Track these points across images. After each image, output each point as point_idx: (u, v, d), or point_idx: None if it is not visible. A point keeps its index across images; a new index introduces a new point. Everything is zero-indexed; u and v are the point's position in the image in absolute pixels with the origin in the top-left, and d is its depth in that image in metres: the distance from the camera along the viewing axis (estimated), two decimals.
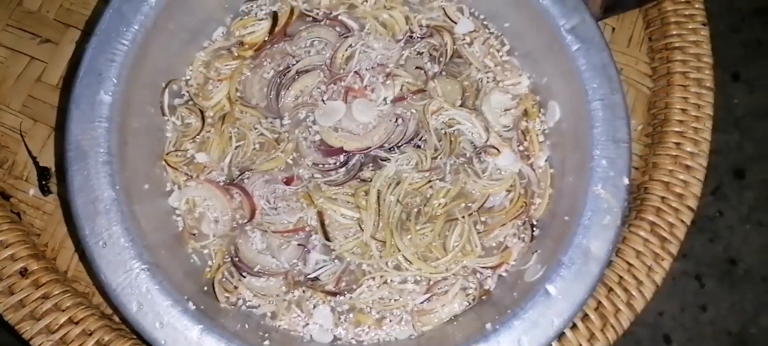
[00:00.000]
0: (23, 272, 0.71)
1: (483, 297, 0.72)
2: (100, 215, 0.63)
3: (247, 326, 0.68)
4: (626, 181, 0.67)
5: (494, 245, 0.74)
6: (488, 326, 0.63)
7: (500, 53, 0.80)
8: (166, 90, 0.75)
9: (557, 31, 0.72)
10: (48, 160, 0.82)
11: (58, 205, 0.81)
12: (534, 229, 0.74)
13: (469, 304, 0.72)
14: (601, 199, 0.66)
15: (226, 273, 0.72)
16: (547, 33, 0.73)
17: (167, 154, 0.75)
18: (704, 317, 1.45)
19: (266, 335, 0.67)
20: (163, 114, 0.76)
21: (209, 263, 0.73)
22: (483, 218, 0.74)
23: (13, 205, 0.79)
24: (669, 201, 0.75)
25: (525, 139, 0.77)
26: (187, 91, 0.78)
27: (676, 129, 0.78)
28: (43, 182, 0.81)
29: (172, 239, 0.72)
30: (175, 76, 0.77)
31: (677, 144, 0.77)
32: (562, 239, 0.66)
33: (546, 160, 0.76)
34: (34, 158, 0.82)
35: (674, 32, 0.82)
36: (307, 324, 0.71)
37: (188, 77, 0.78)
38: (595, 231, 0.65)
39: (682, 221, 0.75)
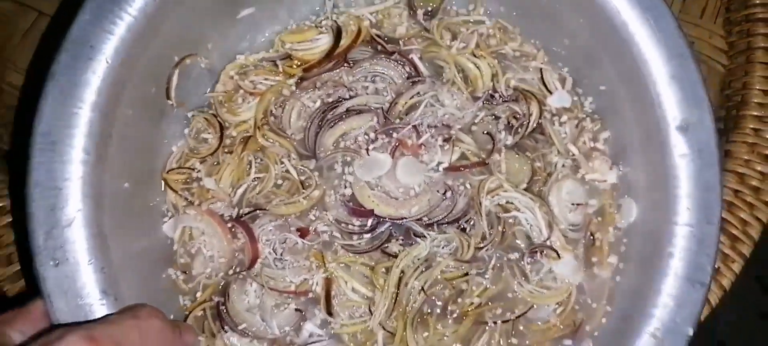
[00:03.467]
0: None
1: None
2: (59, 226, 0.50)
3: None
4: (690, 332, 0.54)
5: None
6: None
7: (593, 141, 0.65)
8: (178, 68, 0.63)
9: (663, 126, 0.56)
10: None
11: None
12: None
13: None
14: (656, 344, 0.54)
15: (207, 314, 0.61)
16: (652, 123, 0.57)
17: (169, 171, 0.65)
18: (764, 326, 1.29)
19: None
20: (168, 97, 0.63)
21: (184, 300, 0.61)
22: (518, 333, 0.61)
23: None
24: (743, 195, 0.65)
25: (593, 245, 0.63)
26: (211, 99, 0.66)
27: (755, 113, 0.67)
28: None
29: (146, 268, 0.60)
30: (192, 52, 0.64)
31: (756, 130, 0.66)
32: None
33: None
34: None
35: (757, 1, 0.70)
36: None
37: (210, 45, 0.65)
38: None
39: (758, 219, 0.64)
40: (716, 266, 0.58)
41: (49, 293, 0.51)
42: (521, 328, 0.62)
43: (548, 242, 0.63)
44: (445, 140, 0.66)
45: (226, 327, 0.62)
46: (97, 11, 0.53)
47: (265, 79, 0.68)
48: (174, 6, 0.57)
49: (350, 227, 0.64)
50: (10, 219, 0.66)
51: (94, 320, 0.51)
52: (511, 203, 0.64)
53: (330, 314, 0.62)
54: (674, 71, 0.57)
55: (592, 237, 0.64)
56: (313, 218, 0.64)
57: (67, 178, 0.51)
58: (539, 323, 0.63)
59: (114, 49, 0.53)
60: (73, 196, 0.51)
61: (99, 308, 0.51)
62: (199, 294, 0.63)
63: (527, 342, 0.62)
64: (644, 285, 0.56)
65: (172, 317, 0.59)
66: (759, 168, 0.67)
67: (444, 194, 0.65)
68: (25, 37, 0.77)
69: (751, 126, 0.68)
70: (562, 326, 0.62)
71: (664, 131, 0.57)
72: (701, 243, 0.55)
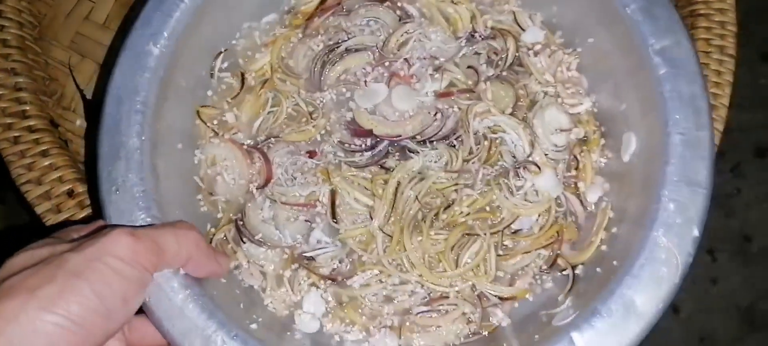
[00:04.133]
0: (70, 193, 0.70)
1: (487, 333, 0.60)
2: (120, 161, 0.56)
3: (239, 304, 0.59)
4: (696, 233, 0.51)
5: (512, 273, 0.61)
6: None
7: (569, 70, 0.66)
8: (220, 56, 0.68)
9: (644, 51, 0.56)
10: (94, 95, 0.80)
11: None
12: (576, 274, 0.59)
13: (469, 336, 0.59)
14: (661, 248, 0.51)
15: (227, 234, 0.63)
16: (634, 54, 0.57)
17: (202, 106, 0.67)
18: (714, 290, 1.34)
19: (255, 317, 0.58)
20: (212, 77, 0.68)
21: (213, 227, 0.64)
22: (506, 242, 0.61)
23: (61, 133, 0.76)
24: None
25: (577, 167, 0.63)
26: (236, 55, 0.70)
27: None
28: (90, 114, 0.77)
29: (188, 199, 0.63)
30: (231, 45, 0.70)
31: None
32: (605, 286, 0.52)
33: (602, 199, 0.62)
34: (81, 91, 0.80)
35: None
36: (296, 307, 0.61)
37: (235, 42, 0.70)
38: (646, 284, 0.50)
39: None
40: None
41: (110, 216, 0.54)
42: (507, 242, 0.61)
43: (530, 158, 0.62)
44: (435, 70, 0.66)
45: (244, 239, 0.62)
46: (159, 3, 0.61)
47: (274, 31, 0.70)
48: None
49: (353, 146, 0.64)
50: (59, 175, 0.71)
51: (140, 226, 0.53)
52: (498, 126, 0.63)
53: (335, 220, 0.61)
54: (647, 5, 0.57)
55: (575, 159, 0.63)
56: (321, 142, 0.65)
57: (130, 124, 0.57)
58: (524, 233, 0.62)
59: (172, 28, 0.60)
60: (133, 139, 0.57)
61: None
62: (220, 216, 0.64)
63: (514, 251, 0.61)
64: (644, 196, 0.54)
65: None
66: None
67: (434, 115, 0.64)
68: (68, 19, 0.83)
69: None
70: (545, 237, 0.61)
71: (645, 57, 0.56)
72: (696, 148, 0.53)
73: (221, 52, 0.67)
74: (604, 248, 0.59)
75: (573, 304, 0.56)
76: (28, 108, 0.72)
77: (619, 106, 0.62)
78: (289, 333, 0.59)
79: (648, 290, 0.51)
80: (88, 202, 0.69)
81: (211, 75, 0.67)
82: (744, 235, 1.39)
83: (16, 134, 0.70)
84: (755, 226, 1.39)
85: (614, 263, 0.54)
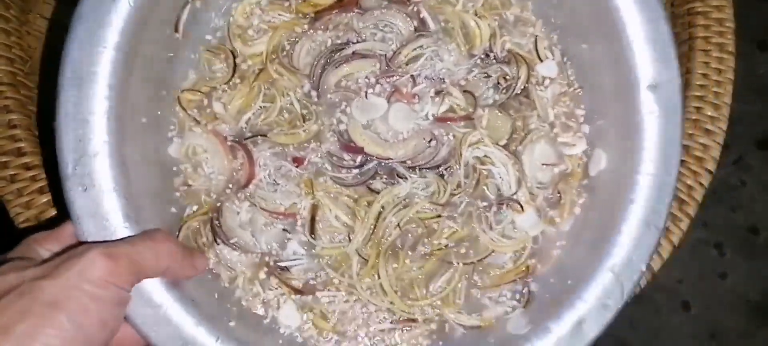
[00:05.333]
0: None
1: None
2: (86, 156, 0.52)
3: (215, 298, 0.59)
4: (643, 269, 0.56)
5: (479, 304, 0.63)
6: None
7: (571, 116, 0.67)
8: (187, 7, 0.62)
9: (635, 82, 0.58)
10: None
11: None
12: (531, 291, 0.62)
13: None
14: (612, 277, 0.56)
15: (201, 227, 0.62)
16: (624, 77, 0.59)
17: (183, 91, 0.64)
18: (723, 284, 1.38)
19: (235, 311, 0.59)
20: (176, 31, 0.62)
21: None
22: (478, 273, 0.63)
23: None
24: (688, 164, 0.70)
25: (559, 202, 0.64)
26: (227, 29, 0.65)
27: (697, 93, 0.72)
28: None
29: (159, 188, 0.61)
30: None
31: (698, 109, 0.71)
32: (558, 305, 0.57)
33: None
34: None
35: None
36: (269, 313, 0.62)
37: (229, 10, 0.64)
38: (594, 311, 0.56)
39: (701, 184, 0.69)
40: (666, 226, 0.60)
41: (78, 216, 0.51)
42: (480, 270, 0.63)
43: (514, 196, 0.63)
44: (437, 93, 0.64)
45: (218, 239, 0.61)
46: None
47: (279, 14, 0.67)
48: None
49: (342, 161, 0.63)
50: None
51: (115, 241, 0.51)
52: (488, 157, 0.63)
53: (313, 236, 0.62)
54: (650, 34, 0.58)
55: (558, 194, 0.64)
56: (308, 148, 0.64)
57: (93, 112, 0.52)
58: (496, 267, 0.63)
59: None
60: (99, 128, 0.52)
61: (122, 231, 0.52)
62: (195, 208, 0.63)
63: (483, 284, 0.63)
64: (605, 224, 0.58)
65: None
66: (701, 140, 0.71)
67: (429, 141, 0.63)
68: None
69: (694, 105, 0.72)
70: (516, 272, 0.63)
71: (636, 89, 0.58)
72: (660, 191, 0.56)
73: (188, 2, 0.62)
74: (563, 259, 0.63)
75: (528, 315, 0.60)
76: (23, 145, 0.70)
77: (595, 119, 0.65)
78: (271, 331, 0.61)
79: (594, 317, 0.56)
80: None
81: (176, 29, 0.62)
82: (750, 227, 1.40)
83: (13, 172, 0.69)
84: (761, 218, 1.40)
85: (569, 282, 0.58)
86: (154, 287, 0.52)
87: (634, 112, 0.58)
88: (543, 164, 0.64)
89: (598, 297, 0.56)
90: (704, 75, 0.74)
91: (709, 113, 0.72)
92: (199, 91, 0.65)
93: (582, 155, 0.66)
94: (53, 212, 0.67)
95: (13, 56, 0.76)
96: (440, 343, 0.62)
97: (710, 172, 0.71)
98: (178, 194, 0.63)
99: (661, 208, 0.57)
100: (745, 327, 1.36)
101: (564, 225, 0.64)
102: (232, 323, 0.57)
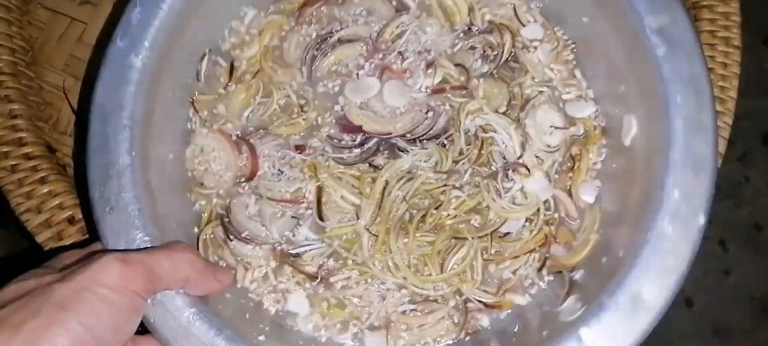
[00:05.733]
0: (71, 220, 0.66)
1: (470, 335, 0.58)
2: (111, 180, 0.53)
3: (245, 315, 0.57)
4: (702, 220, 0.48)
5: (501, 279, 0.59)
6: None
7: (567, 67, 0.63)
8: (205, 58, 0.64)
9: (641, 31, 0.53)
10: None
11: None
12: (572, 278, 0.57)
13: (455, 339, 0.58)
14: (667, 238, 0.48)
15: (215, 231, 0.61)
16: (629, 33, 0.54)
17: (195, 96, 0.64)
18: (727, 281, 1.32)
19: (262, 327, 0.56)
20: (198, 80, 0.64)
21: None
22: (495, 246, 0.59)
23: (59, 158, 0.72)
24: None
25: (573, 167, 0.60)
26: (229, 46, 0.67)
27: None
28: None
29: (183, 210, 0.62)
30: (217, 45, 0.65)
31: None
32: (611, 279, 0.49)
33: (598, 199, 0.59)
34: (76, 114, 0.75)
35: None
36: (283, 305, 0.60)
37: (222, 43, 0.66)
38: (653, 275, 0.48)
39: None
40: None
41: (106, 236, 0.51)
42: (495, 246, 0.59)
43: (520, 160, 0.59)
44: (428, 65, 0.62)
45: (231, 236, 0.59)
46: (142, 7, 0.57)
47: (266, 17, 0.67)
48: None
49: (342, 142, 0.61)
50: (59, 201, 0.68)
51: (133, 250, 0.50)
52: (490, 125, 0.60)
53: (321, 217, 0.59)
54: None
55: (572, 159, 0.61)
56: (309, 135, 0.62)
57: (119, 141, 0.54)
58: (513, 237, 0.59)
59: (153, 38, 0.57)
60: (123, 156, 0.54)
61: (144, 246, 0.52)
62: (205, 216, 0.62)
63: (501, 258, 0.59)
64: (647, 183, 0.52)
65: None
66: None
67: (426, 112, 0.61)
68: (60, 41, 0.78)
69: None
70: (534, 241, 0.59)
71: (642, 37, 0.53)
72: (699, 131, 0.50)
73: (205, 54, 0.64)
74: (606, 238, 0.56)
75: (579, 299, 0.53)
76: (24, 135, 0.69)
77: (617, 88, 0.59)
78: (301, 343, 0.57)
79: (655, 281, 0.48)
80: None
81: (198, 79, 0.64)
82: (754, 224, 1.34)
83: (14, 163, 0.67)
84: (766, 214, 1.34)
85: (620, 253, 0.52)
86: (180, 301, 0.51)
87: (648, 62, 0.53)
88: (551, 127, 0.61)
89: (658, 263, 0.49)
90: (709, 69, 0.67)
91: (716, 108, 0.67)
92: (208, 96, 0.65)
93: (595, 117, 0.62)
94: (54, 202, 0.67)
95: (14, 46, 0.73)
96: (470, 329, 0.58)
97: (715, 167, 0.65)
98: (195, 206, 0.62)
99: (706, 150, 0.50)
100: (749, 324, 1.30)
101: (584, 195, 0.60)
102: (261, 338, 0.55)
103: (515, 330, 0.57)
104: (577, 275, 0.56)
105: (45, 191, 0.67)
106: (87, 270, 0.43)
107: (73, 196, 0.67)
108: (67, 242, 0.65)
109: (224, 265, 0.59)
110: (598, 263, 0.55)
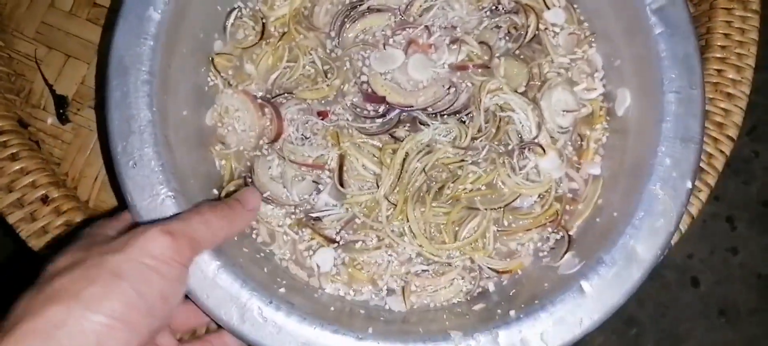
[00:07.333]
0: (44, 199, 0.65)
1: (477, 294, 0.62)
2: (133, 135, 0.54)
3: (264, 269, 0.60)
4: (689, 185, 0.54)
5: (510, 248, 0.63)
6: (512, 313, 0.54)
7: (585, 52, 0.67)
8: (234, 13, 0.66)
9: (641, 11, 0.58)
10: (65, 89, 0.73)
11: (77, 134, 0.72)
12: (570, 236, 0.61)
13: (466, 295, 0.62)
14: (658, 200, 0.54)
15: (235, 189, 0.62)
16: (630, 11, 0.59)
17: (217, 54, 0.65)
18: (734, 259, 1.30)
19: (280, 280, 0.59)
20: (224, 33, 0.67)
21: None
22: (507, 218, 0.62)
23: (32, 133, 0.71)
24: (708, 130, 0.64)
25: (580, 146, 0.64)
26: (258, 3, 0.67)
27: (718, 55, 0.67)
28: (61, 111, 0.72)
29: (201, 165, 0.63)
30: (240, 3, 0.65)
31: (719, 71, 0.67)
32: (607, 236, 0.55)
33: (601, 173, 0.63)
34: (50, 86, 0.72)
35: None
36: (305, 257, 0.63)
37: None
38: (645, 233, 0.54)
39: (722, 152, 0.65)
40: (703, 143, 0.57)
41: (130, 191, 0.54)
42: (508, 216, 0.63)
43: (536, 140, 0.63)
44: (453, 42, 0.64)
45: None
46: None
47: None
48: None
49: (364, 111, 0.64)
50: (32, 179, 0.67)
51: (169, 218, 0.52)
52: (508, 105, 0.63)
53: (342, 184, 0.62)
54: None
55: (580, 137, 0.64)
56: (333, 102, 0.64)
57: (139, 96, 0.55)
58: (525, 211, 0.63)
59: None
60: (144, 112, 0.55)
61: (170, 204, 0.54)
62: (225, 174, 0.64)
63: (512, 229, 0.63)
64: (640, 152, 0.58)
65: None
66: (722, 105, 0.66)
67: (448, 88, 0.63)
68: (31, 7, 0.75)
69: (715, 67, 0.67)
70: (546, 216, 0.63)
71: (641, 16, 0.58)
72: (688, 105, 0.55)
73: (234, 9, 0.65)
74: (601, 201, 0.62)
75: (576, 254, 0.59)
76: (15, 151, 0.66)
77: (613, 62, 0.63)
78: (316, 295, 0.61)
79: (647, 239, 0.54)
80: (64, 208, 0.65)
81: (224, 32, 0.66)
82: (763, 201, 1.32)
83: (9, 180, 0.64)
84: None
85: (614, 214, 0.57)
86: (206, 254, 0.54)
87: (645, 39, 0.59)
88: (563, 110, 0.64)
89: (649, 223, 0.55)
90: (726, 35, 0.68)
91: (731, 76, 0.66)
92: (232, 55, 0.66)
93: (602, 98, 0.65)
94: (26, 180, 0.67)
95: None
96: (480, 288, 0.62)
97: (732, 139, 0.65)
98: (215, 165, 0.65)
99: (694, 123, 0.55)
100: (756, 303, 1.29)
101: (592, 168, 0.64)
102: (282, 290, 0.57)
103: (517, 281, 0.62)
104: (574, 233, 0.62)
105: (16, 168, 0.65)
106: (136, 241, 0.46)
107: (47, 173, 0.65)
108: (41, 223, 0.64)
109: None
110: (593, 222, 0.60)
